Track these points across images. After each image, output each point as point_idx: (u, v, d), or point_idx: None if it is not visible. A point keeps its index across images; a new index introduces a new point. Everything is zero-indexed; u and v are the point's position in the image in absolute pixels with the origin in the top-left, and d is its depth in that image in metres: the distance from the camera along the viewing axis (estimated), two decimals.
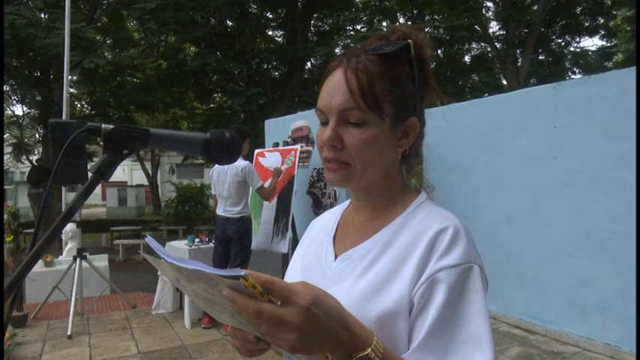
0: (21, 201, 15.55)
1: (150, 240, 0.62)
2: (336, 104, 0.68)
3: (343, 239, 0.77)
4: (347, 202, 0.84)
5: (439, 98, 0.76)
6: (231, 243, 4.16)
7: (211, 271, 0.51)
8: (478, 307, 0.61)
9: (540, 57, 13.80)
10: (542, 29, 12.44)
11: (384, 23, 12.96)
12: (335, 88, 0.68)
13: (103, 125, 0.63)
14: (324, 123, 0.70)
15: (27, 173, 11.92)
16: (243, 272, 0.49)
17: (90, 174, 0.64)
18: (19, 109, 17.33)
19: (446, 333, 0.60)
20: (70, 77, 6.00)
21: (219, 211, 4.20)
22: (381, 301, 0.64)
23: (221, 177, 4.16)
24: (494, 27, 13.62)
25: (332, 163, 0.69)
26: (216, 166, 4.20)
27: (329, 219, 0.85)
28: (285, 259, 4.11)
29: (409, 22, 12.72)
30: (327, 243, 0.79)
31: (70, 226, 5.46)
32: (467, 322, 0.60)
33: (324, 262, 0.76)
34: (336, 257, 0.75)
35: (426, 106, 0.75)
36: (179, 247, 4.67)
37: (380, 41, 0.71)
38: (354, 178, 0.70)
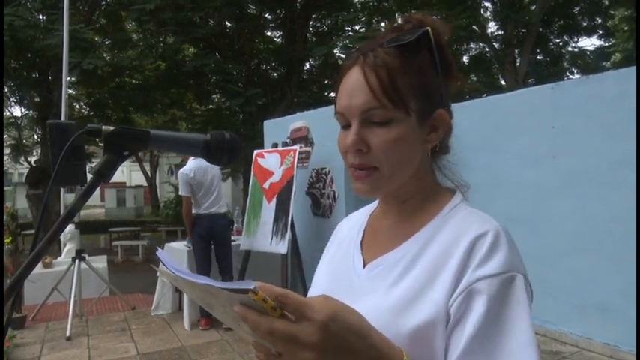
0: (19, 202, 15.52)
1: (160, 253, 0.59)
2: (357, 105, 0.62)
3: (372, 245, 0.72)
4: (375, 204, 0.78)
5: (465, 85, 0.71)
6: (217, 240, 4.31)
7: (220, 286, 0.47)
8: (522, 320, 0.55)
9: (538, 57, 13.82)
10: (541, 29, 12.45)
11: (383, 24, 12.98)
12: (354, 88, 0.63)
13: (103, 127, 0.63)
14: (346, 127, 0.65)
15: (25, 174, 11.90)
16: (252, 285, 0.45)
17: (90, 175, 0.64)
18: (17, 111, 17.31)
19: (486, 348, 0.54)
20: (68, 78, 5.99)
21: (202, 210, 4.29)
22: (416, 313, 0.58)
23: (208, 175, 4.31)
24: (492, 27, 13.65)
25: (358, 172, 0.64)
26: (194, 164, 4.32)
27: (356, 222, 0.79)
28: (285, 260, 4.12)
29: None
30: (354, 249, 0.73)
31: (68, 228, 5.45)
32: (509, 337, 0.54)
33: (352, 270, 0.70)
34: (364, 264, 0.69)
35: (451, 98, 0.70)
36: (178, 247, 4.67)
37: (394, 32, 0.66)
38: (383, 184, 0.64)
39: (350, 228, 0.79)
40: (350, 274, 0.70)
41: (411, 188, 0.68)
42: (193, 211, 4.34)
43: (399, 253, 0.65)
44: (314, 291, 0.75)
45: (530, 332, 0.55)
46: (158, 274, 4.87)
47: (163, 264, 0.57)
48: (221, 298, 0.50)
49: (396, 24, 0.68)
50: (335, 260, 0.77)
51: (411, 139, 0.63)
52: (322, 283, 0.76)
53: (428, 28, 0.63)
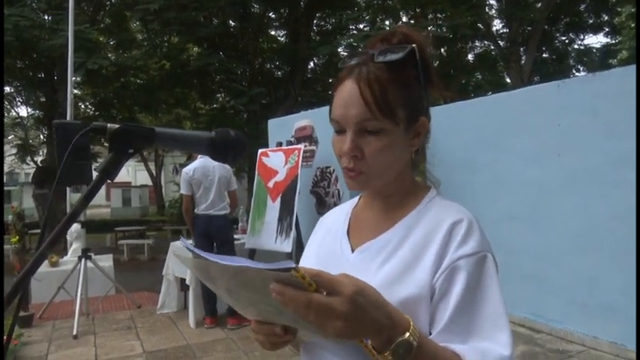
0: (26, 202, 15.62)
1: (184, 242, 0.66)
2: (352, 116, 0.70)
3: (358, 233, 0.81)
4: (356, 199, 0.88)
5: (442, 95, 0.79)
6: (217, 240, 4.30)
7: (260, 266, 0.53)
8: (494, 292, 0.67)
9: (544, 55, 13.75)
10: (546, 27, 12.38)
11: (387, 22, 12.94)
12: (349, 99, 0.71)
13: (108, 125, 0.63)
14: (339, 132, 0.73)
15: (32, 174, 11.98)
16: (293, 264, 0.52)
17: (96, 173, 0.64)
18: (23, 111, 17.42)
19: (467, 316, 0.65)
20: (73, 78, 6.02)
21: (200, 210, 4.28)
22: (403, 288, 0.68)
23: (209, 175, 4.27)
24: (497, 25, 13.59)
25: (351, 172, 0.73)
26: (197, 164, 4.33)
27: (339, 215, 0.88)
28: (289, 259, 4.12)
29: (412, 21, 12.68)
30: (341, 237, 0.82)
31: (74, 227, 5.48)
32: (486, 306, 0.66)
33: (341, 255, 0.79)
34: (352, 250, 0.78)
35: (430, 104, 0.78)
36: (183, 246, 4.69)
37: (381, 43, 0.74)
38: (371, 183, 0.74)
39: (334, 221, 0.87)
40: (339, 260, 0.78)
41: (394, 185, 0.77)
42: (194, 210, 4.36)
43: (385, 238, 0.75)
44: None
45: (501, 303, 0.66)
46: (164, 272, 4.87)
47: (194, 252, 0.61)
48: (252, 280, 0.56)
49: (382, 36, 0.75)
50: (323, 249, 0.85)
51: (398, 145, 0.72)
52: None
53: (414, 45, 0.71)
